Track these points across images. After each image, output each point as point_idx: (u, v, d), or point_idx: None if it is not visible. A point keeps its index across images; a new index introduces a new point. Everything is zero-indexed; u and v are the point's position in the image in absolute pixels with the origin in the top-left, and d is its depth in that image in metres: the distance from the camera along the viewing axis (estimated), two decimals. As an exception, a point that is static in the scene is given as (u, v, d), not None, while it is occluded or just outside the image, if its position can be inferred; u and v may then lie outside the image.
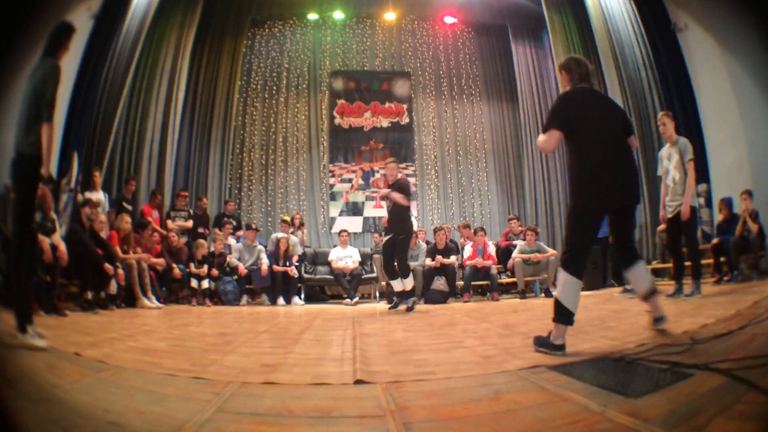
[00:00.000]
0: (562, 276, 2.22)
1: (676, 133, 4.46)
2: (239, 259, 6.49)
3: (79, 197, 5.39)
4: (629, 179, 2.32)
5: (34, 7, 2.26)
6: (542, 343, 2.15)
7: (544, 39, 9.49)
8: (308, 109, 9.46)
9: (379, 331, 3.28)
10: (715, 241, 5.48)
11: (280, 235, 6.85)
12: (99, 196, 5.76)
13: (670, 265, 5.06)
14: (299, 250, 7.23)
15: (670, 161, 4.39)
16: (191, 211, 7.25)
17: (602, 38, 7.59)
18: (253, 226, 6.97)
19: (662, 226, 5.18)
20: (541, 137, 2.39)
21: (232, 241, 6.97)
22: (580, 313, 3.73)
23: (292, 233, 7.26)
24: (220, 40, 8.95)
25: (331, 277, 7.08)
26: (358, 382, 1.71)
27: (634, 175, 2.38)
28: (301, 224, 7.78)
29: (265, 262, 6.45)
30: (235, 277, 6.35)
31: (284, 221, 7.31)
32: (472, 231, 6.84)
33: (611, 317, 3.31)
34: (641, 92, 7.15)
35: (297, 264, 6.78)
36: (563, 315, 2.15)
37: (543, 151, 2.26)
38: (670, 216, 4.38)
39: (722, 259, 5.45)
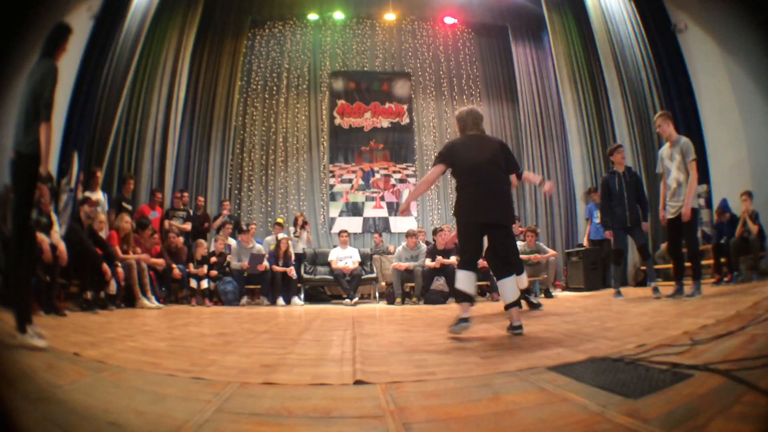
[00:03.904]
0: (459, 273, 2.83)
1: (675, 132, 4.42)
2: (237, 262, 6.48)
3: (79, 195, 5.39)
4: (495, 202, 2.80)
5: (34, 7, 2.26)
6: (454, 324, 2.73)
7: (544, 40, 9.50)
8: (308, 109, 9.46)
9: (379, 332, 3.27)
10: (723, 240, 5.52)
11: (280, 235, 6.84)
12: (99, 196, 5.77)
13: (670, 265, 5.06)
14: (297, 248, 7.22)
15: (672, 161, 4.33)
16: (191, 211, 7.25)
17: (602, 39, 7.60)
18: (244, 228, 6.91)
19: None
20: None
21: (232, 241, 6.97)
22: (580, 314, 3.78)
23: (294, 234, 7.23)
24: (221, 40, 8.96)
25: (331, 277, 7.07)
26: (357, 382, 1.70)
27: (499, 199, 2.83)
28: (305, 223, 7.66)
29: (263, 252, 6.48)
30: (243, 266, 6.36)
31: (278, 224, 7.25)
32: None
33: (611, 318, 3.31)
34: (641, 92, 7.15)
35: (294, 264, 6.78)
36: (465, 298, 2.80)
37: (425, 182, 3.45)
38: (670, 217, 4.35)
39: (722, 260, 5.46)
